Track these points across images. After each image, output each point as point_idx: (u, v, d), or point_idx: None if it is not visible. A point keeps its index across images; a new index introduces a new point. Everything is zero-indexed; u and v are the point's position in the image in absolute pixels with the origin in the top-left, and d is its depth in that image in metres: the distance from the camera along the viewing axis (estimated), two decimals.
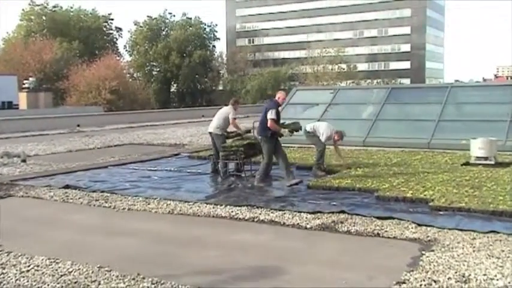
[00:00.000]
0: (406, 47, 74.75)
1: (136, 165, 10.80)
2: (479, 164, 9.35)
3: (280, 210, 6.53)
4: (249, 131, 9.97)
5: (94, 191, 7.97)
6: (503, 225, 5.59)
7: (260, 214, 6.37)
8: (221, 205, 6.89)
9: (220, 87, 69.79)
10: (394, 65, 74.59)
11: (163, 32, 66.54)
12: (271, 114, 8.05)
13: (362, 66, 72.29)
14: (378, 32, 75.61)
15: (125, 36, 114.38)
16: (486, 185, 7.38)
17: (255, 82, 59.56)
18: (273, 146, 8.24)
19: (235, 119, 9.38)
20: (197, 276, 4.35)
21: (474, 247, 4.87)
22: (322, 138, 9.13)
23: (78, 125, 23.47)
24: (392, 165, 9.54)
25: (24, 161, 11.54)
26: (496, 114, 12.38)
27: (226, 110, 9.53)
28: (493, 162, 9.40)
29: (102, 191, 7.94)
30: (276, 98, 8.39)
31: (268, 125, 8.07)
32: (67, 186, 8.33)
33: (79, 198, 7.57)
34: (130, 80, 53.88)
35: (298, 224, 5.93)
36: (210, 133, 9.56)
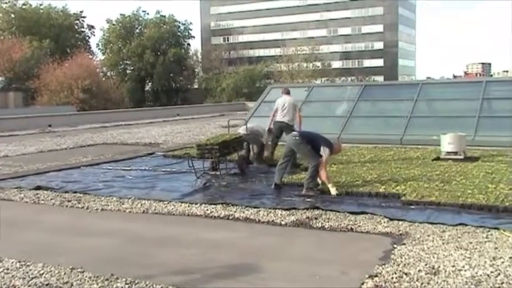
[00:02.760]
0: (379, 45, 75.86)
1: (110, 165, 10.68)
2: (449, 159, 9.58)
3: (255, 207, 6.56)
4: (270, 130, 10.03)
5: (66, 192, 7.85)
6: (472, 217, 5.75)
7: (235, 212, 6.39)
8: (196, 204, 6.88)
9: (196, 86, 69.44)
10: (367, 63, 75.62)
11: (137, 30, 65.72)
12: (325, 153, 7.29)
13: (336, 64, 73.05)
14: (351, 30, 76.49)
15: (98, 34, 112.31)
16: (456, 179, 7.58)
17: (230, 80, 59.50)
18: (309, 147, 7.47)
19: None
20: (172, 276, 4.34)
21: (443, 240, 5.00)
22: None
23: (50, 125, 22.98)
24: (366, 161, 9.69)
25: None
26: (466, 110, 12.73)
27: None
28: (462, 157, 9.64)
29: (75, 192, 7.83)
30: (334, 145, 7.58)
31: (321, 167, 7.26)
32: (38, 188, 8.17)
33: (51, 199, 7.44)
34: (103, 78, 53.01)
35: (273, 220, 5.97)
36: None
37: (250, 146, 9.94)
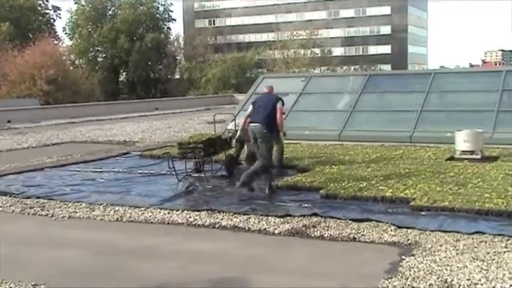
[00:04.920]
0: (386, 29, 76.13)
1: (79, 167, 10.65)
2: (465, 159, 9.65)
3: (244, 214, 6.58)
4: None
5: (28, 197, 7.83)
6: (489, 225, 5.81)
7: (222, 219, 6.40)
8: (177, 210, 6.89)
9: (177, 76, 69.24)
10: (373, 50, 75.88)
11: (110, 12, 65.34)
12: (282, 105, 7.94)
13: (338, 51, 73.24)
14: (354, 12, 76.67)
15: (64, 16, 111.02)
16: (472, 182, 7.64)
17: (217, 70, 59.37)
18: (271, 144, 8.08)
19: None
20: None
21: (458, 250, 5.05)
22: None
23: (9, 121, 22.91)
24: (371, 162, 9.74)
25: None
26: (483, 103, 12.82)
27: None
28: (479, 157, 9.73)
29: (38, 197, 7.81)
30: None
31: (280, 118, 7.91)
32: None
33: (10, 206, 7.42)
34: (71, 68, 52.69)
35: (265, 229, 6.00)
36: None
37: (245, 145, 9.89)
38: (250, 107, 8.32)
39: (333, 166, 9.30)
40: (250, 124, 7.95)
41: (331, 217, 6.28)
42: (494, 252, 4.97)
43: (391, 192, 7.16)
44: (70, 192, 8.16)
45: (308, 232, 5.81)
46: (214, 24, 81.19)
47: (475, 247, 5.12)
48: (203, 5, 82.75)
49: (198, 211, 6.79)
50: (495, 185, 7.36)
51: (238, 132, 9.04)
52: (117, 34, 61.01)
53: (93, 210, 7.03)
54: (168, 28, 68.47)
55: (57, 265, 5.07)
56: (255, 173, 7.77)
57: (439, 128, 12.22)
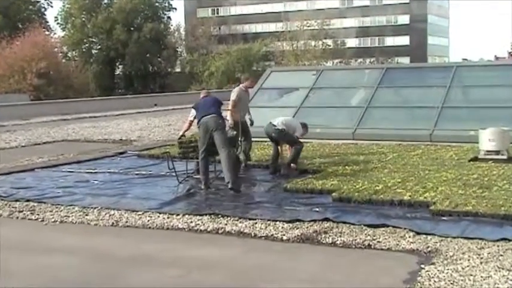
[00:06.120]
0: (404, 19, 75.93)
1: (71, 167, 10.71)
2: (490, 159, 9.62)
3: (250, 219, 6.58)
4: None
5: (17, 200, 7.86)
6: None
7: (226, 224, 6.41)
8: (178, 214, 6.90)
9: (178, 69, 69.42)
10: (390, 41, 75.69)
11: (105, 1, 65.62)
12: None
13: (351, 42, 73.13)
14: (370, 0, 76.50)
15: (56, 5, 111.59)
16: (497, 184, 7.61)
17: (221, 62, 59.47)
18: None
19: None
20: None
21: (482, 258, 5.03)
22: (298, 134, 9.53)
23: None
24: (387, 162, 9.73)
25: None
26: (510, 99, 12.75)
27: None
28: (505, 157, 9.69)
29: (28, 200, 7.84)
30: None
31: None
32: None
33: None
34: (63, 60, 53.02)
35: (272, 235, 6.00)
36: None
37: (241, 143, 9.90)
38: (193, 112, 8.88)
39: (347, 167, 9.30)
40: (205, 117, 8.33)
41: (344, 222, 6.28)
42: None
43: (410, 196, 7.14)
44: (62, 195, 8.18)
45: (319, 238, 5.81)
46: (218, 13, 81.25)
47: (501, 255, 5.10)
48: None
49: (200, 215, 6.80)
50: None
51: (181, 133, 9.47)
52: (113, 24, 61.24)
53: (87, 215, 7.05)
54: (168, 18, 68.77)
55: (48, 274, 5.09)
56: (234, 172, 8.12)
57: (461, 125, 12.19)
